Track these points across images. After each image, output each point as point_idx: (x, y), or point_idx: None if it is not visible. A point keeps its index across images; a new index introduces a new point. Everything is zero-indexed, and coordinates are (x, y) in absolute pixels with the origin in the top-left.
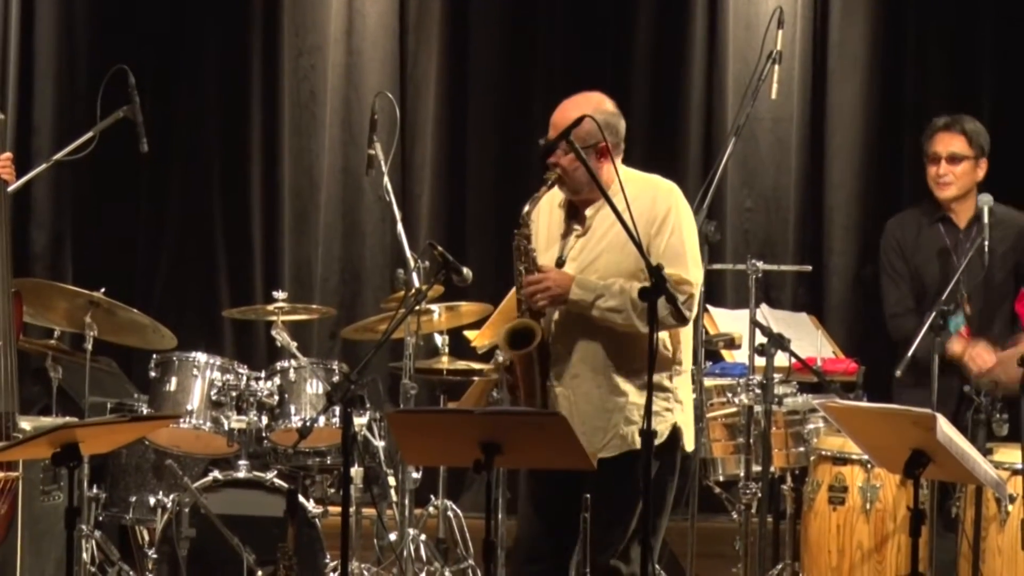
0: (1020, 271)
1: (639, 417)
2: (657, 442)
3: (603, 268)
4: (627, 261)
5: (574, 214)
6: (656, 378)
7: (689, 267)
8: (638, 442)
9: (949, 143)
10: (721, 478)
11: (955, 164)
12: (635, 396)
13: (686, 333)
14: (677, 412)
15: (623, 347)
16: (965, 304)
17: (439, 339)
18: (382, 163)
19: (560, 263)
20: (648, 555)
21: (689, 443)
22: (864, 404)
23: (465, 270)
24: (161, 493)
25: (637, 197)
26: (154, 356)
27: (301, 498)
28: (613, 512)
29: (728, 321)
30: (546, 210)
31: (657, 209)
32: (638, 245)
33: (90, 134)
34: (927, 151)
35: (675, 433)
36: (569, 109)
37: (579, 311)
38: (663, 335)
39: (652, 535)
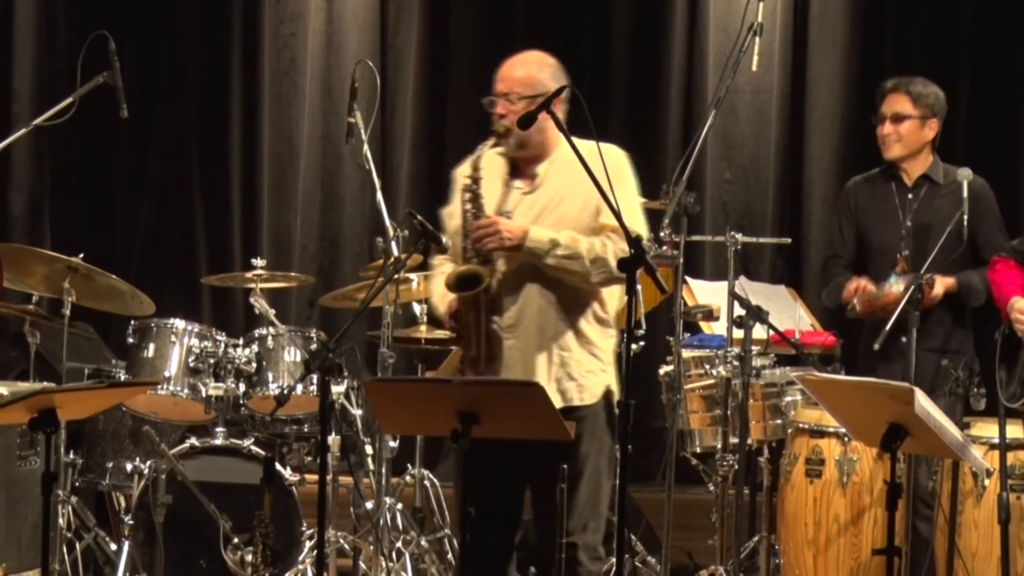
0: (974, 237)
1: (580, 375)
2: (591, 402)
3: (555, 224)
4: (579, 218)
5: (516, 172)
6: (594, 336)
7: (638, 223)
8: (576, 399)
9: (893, 103)
10: (698, 450)
11: (899, 123)
12: (578, 353)
13: (615, 295)
14: (609, 373)
15: (571, 303)
16: (902, 263)
17: (417, 308)
18: (362, 131)
19: (505, 217)
20: (623, 525)
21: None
22: (842, 377)
23: (444, 239)
24: (138, 459)
25: (587, 157)
26: (132, 322)
27: (278, 466)
28: (554, 478)
29: (706, 293)
30: (487, 165)
31: (608, 169)
32: (615, 212)
33: (70, 99)
34: (876, 113)
35: (608, 394)
36: (516, 65)
37: (534, 260)
38: (604, 296)
39: (602, 501)
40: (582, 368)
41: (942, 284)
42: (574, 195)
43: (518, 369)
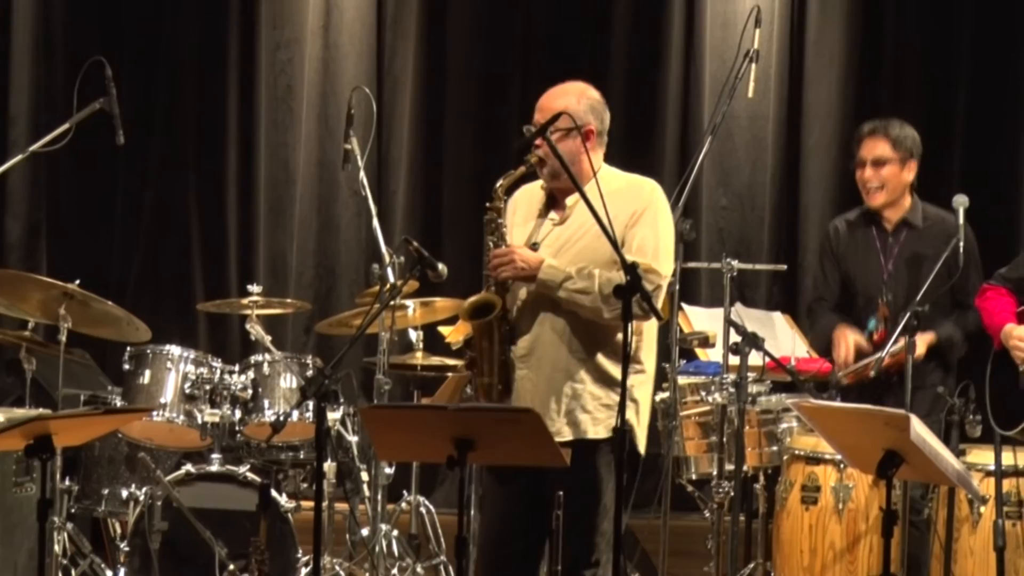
0: (951, 272)
1: (594, 408)
2: (606, 435)
3: (577, 255)
4: (603, 250)
5: (553, 203)
6: (614, 372)
7: (660, 259)
8: (591, 432)
9: (873, 148)
10: (694, 476)
11: (879, 167)
12: (591, 386)
13: (650, 335)
14: (630, 410)
15: (587, 336)
16: (883, 308)
17: (413, 334)
18: (358, 158)
19: (533, 248)
20: (619, 553)
21: (640, 445)
22: (837, 404)
23: (440, 266)
24: (134, 486)
25: (619, 192)
26: (128, 348)
27: (274, 492)
28: (575, 511)
29: (702, 319)
30: (526, 197)
31: (637, 204)
32: (612, 241)
33: (66, 126)
34: (856, 157)
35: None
36: (556, 95)
37: (547, 292)
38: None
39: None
40: (597, 401)
41: (924, 342)
42: (596, 227)
43: (527, 398)
